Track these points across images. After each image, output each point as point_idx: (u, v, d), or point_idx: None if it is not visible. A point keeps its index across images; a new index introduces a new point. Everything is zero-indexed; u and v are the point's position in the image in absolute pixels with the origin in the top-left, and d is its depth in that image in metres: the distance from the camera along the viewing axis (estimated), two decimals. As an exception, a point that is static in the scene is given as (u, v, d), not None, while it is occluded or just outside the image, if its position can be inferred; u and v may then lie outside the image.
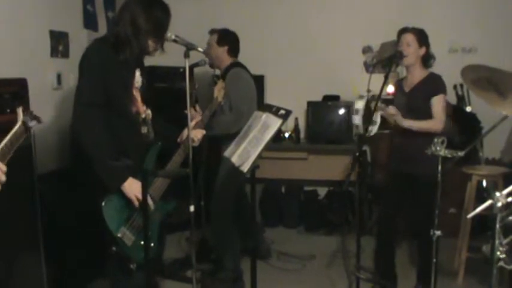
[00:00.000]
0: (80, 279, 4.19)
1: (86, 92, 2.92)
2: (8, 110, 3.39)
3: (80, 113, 2.92)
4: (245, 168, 2.95)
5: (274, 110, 3.02)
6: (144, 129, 3.16)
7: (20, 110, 1.99)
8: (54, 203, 3.98)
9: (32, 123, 2.04)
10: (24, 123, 2.01)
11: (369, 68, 6.08)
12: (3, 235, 3.30)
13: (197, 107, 3.81)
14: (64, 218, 4.07)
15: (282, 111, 2.97)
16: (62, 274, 3.96)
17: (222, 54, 4.49)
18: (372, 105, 3.71)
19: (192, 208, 2.93)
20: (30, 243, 3.62)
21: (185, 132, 3.23)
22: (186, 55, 2.85)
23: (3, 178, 1.93)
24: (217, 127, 4.09)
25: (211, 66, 4.62)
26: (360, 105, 3.68)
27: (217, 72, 4.70)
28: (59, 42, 4.91)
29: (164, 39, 3.01)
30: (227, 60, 4.50)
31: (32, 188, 3.62)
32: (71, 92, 4.90)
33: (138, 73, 3.16)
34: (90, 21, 5.55)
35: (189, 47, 2.88)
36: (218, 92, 3.69)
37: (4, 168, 1.91)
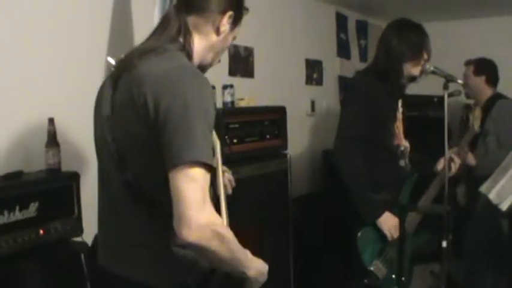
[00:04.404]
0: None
1: (349, 124, 2.98)
2: (268, 136, 3.58)
3: (341, 144, 2.97)
4: (504, 206, 2.84)
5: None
6: (402, 162, 3.11)
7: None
8: (305, 226, 4.09)
9: None
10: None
11: None
12: (258, 246, 3.46)
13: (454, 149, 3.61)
14: (313, 242, 4.17)
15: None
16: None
17: (480, 84, 4.26)
18: None
19: (444, 244, 2.80)
20: (280, 261, 3.75)
21: (442, 162, 3.11)
22: (445, 87, 2.74)
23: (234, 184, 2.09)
24: (484, 168, 3.82)
25: (468, 96, 4.41)
26: None
27: (474, 102, 4.46)
28: (313, 70, 5.10)
29: (422, 61, 2.96)
30: (487, 90, 4.26)
31: (286, 208, 3.78)
32: (323, 118, 5.07)
33: (400, 104, 3.13)
34: (343, 50, 5.68)
35: (449, 79, 2.77)
36: (475, 120, 3.49)
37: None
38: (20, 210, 2.16)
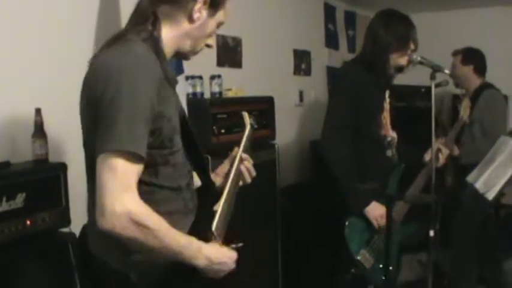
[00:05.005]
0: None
1: (336, 114, 3.00)
2: (256, 127, 3.56)
3: (328, 134, 2.99)
4: (490, 195, 2.90)
5: (524, 137, 2.81)
6: (389, 152, 3.13)
7: (246, 114, 2.09)
8: (292, 215, 4.11)
9: (255, 125, 2.17)
10: (251, 125, 2.13)
11: None
12: (246, 236, 3.46)
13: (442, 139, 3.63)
14: (301, 231, 4.18)
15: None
16: (294, 285, 4.06)
17: (468, 73, 4.27)
18: None
19: (431, 233, 2.82)
20: (268, 251, 3.78)
21: (430, 152, 3.14)
22: (432, 77, 2.75)
23: (254, 173, 2.03)
24: (468, 156, 3.87)
25: (457, 86, 4.42)
26: None
27: (463, 92, 4.48)
28: (301, 61, 5.10)
29: (409, 52, 2.98)
30: (475, 80, 4.27)
31: (273, 199, 3.79)
32: (311, 108, 5.08)
33: (387, 95, 3.15)
34: (331, 40, 5.69)
35: (436, 69, 2.78)
36: (464, 110, 3.53)
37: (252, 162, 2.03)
38: (7, 201, 2.14)
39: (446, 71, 2.89)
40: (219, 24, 1.76)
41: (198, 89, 3.50)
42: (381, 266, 2.96)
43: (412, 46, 3.02)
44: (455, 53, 4.42)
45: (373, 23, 3.10)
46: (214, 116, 3.27)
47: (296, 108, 5.04)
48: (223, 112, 3.33)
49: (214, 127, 3.24)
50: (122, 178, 1.44)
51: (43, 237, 2.30)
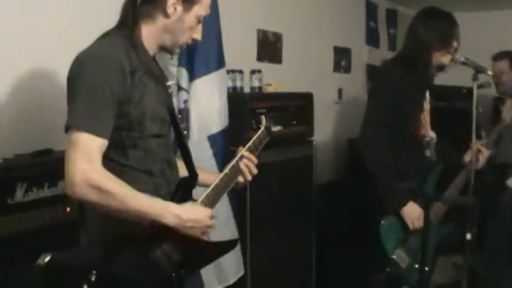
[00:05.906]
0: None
1: (376, 112, 2.95)
2: (294, 122, 3.57)
3: (367, 132, 2.95)
4: None
5: None
6: (427, 152, 3.08)
7: (263, 117, 2.17)
8: (327, 212, 4.10)
9: (276, 128, 2.20)
10: (267, 128, 2.15)
11: None
12: (281, 232, 3.48)
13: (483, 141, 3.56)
14: (336, 228, 4.17)
15: None
16: (328, 283, 4.05)
17: None
18: None
19: (469, 236, 2.78)
20: (303, 246, 3.78)
21: (470, 153, 3.08)
22: (475, 78, 2.70)
23: (255, 171, 2.06)
24: (504, 156, 3.80)
25: (501, 92, 4.33)
26: None
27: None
28: (341, 58, 5.08)
29: (452, 50, 2.91)
30: None
31: (309, 195, 3.78)
32: (350, 106, 5.04)
33: (427, 94, 3.10)
34: (372, 38, 5.64)
35: (479, 70, 2.73)
36: (507, 112, 3.44)
37: (255, 161, 2.06)
38: (49, 187, 2.19)
39: (489, 72, 2.84)
40: (199, 18, 1.83)
41: (238, 83, 3.51)
42: (416, 266, 2.94)
43: (454, 44, 2.96)
44: (497, 58, 4.31)
45: (414, 21, 3.05)
46: (253, 111, 3.27)
47: (335, 106, 5.02)
48: (262, 107, 3.33)
49: (253, 121, 3.23)
50: (82, 151, 1.59)
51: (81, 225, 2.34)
